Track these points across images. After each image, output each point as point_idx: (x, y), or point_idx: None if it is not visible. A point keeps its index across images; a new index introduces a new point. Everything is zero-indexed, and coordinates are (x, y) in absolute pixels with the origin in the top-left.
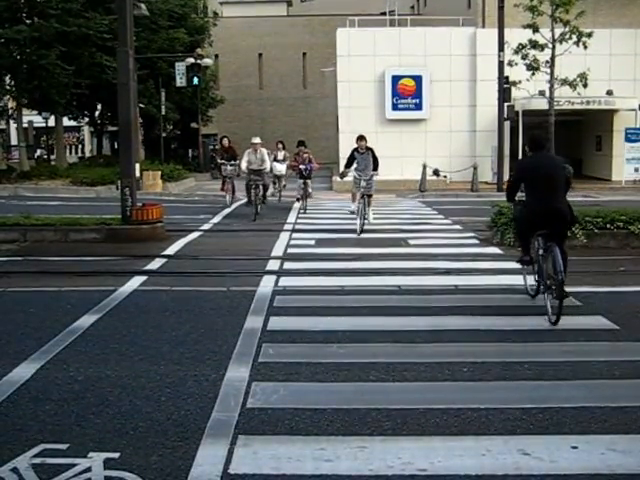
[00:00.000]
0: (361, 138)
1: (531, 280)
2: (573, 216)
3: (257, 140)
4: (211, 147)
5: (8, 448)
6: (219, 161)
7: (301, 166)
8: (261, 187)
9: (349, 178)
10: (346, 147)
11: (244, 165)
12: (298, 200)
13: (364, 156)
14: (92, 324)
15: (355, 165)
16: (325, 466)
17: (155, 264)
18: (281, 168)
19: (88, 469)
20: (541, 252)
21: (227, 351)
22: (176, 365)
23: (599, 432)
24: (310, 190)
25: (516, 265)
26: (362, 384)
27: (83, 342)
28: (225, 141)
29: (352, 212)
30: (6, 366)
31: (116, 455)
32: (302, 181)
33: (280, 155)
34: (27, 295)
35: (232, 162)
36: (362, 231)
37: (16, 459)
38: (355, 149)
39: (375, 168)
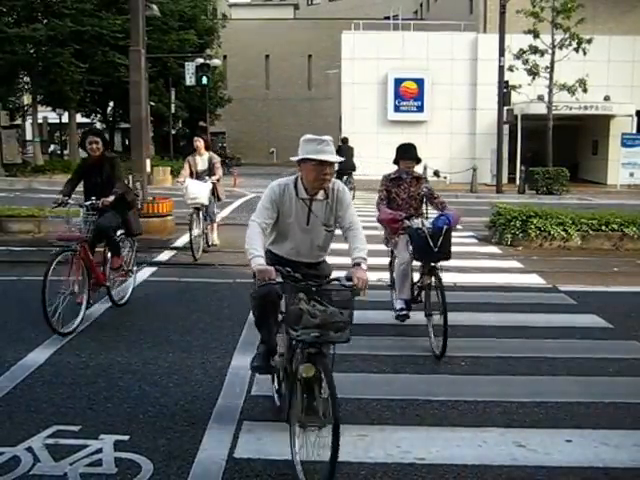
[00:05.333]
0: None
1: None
2: (354, 165)
3: (331, 155)
4: (219, 145)
5: (23, 428)
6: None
7: (416, 220)
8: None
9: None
10: None
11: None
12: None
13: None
14: (103, 312)
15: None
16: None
17: (164, 256)
18: (199, 192)
19: (99, 450)
20: (346, 178)
21: (233, 340)
22: (184, 353)
23: (593, 427)
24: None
25: (514, 264)
26: (363, 375)
27: (94, 329)
28: (92, 143)
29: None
30: (21, 351)
31: (126, 438)
32: (426, 271)
33: (201, 162)
34: (41, 284)
35: (92, 205)
36: None
37: (31, 439)
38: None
39: None
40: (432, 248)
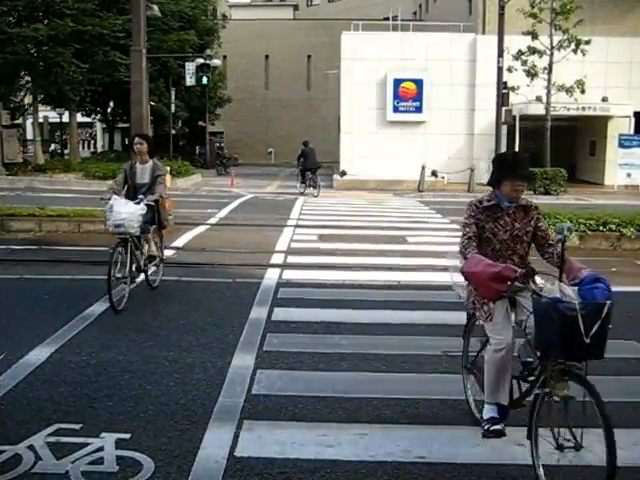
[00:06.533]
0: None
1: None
2: (319, 164)
3: None
4: (217, 145)
5: (25, 427)
6: None
7: (550, 285)
8: None
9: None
10: (347, 147)
11: None
12: None
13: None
14: (104, 311)
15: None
16: (327, 451)
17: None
18: (126, 216)
19: (100, 448)
20: (310, 175)
21: (233, 340)
22: (184, 352)
23: (590, 426)
24: None
25: None
26: (362, 374)
27: (95, 328)
28: None
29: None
30: (22, 349)
31: (127, 436)
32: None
33: (141, 172)
34: (42, 282)
35: None
36: None
37: (32, 437)
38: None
39: None
40: (582, 337)
